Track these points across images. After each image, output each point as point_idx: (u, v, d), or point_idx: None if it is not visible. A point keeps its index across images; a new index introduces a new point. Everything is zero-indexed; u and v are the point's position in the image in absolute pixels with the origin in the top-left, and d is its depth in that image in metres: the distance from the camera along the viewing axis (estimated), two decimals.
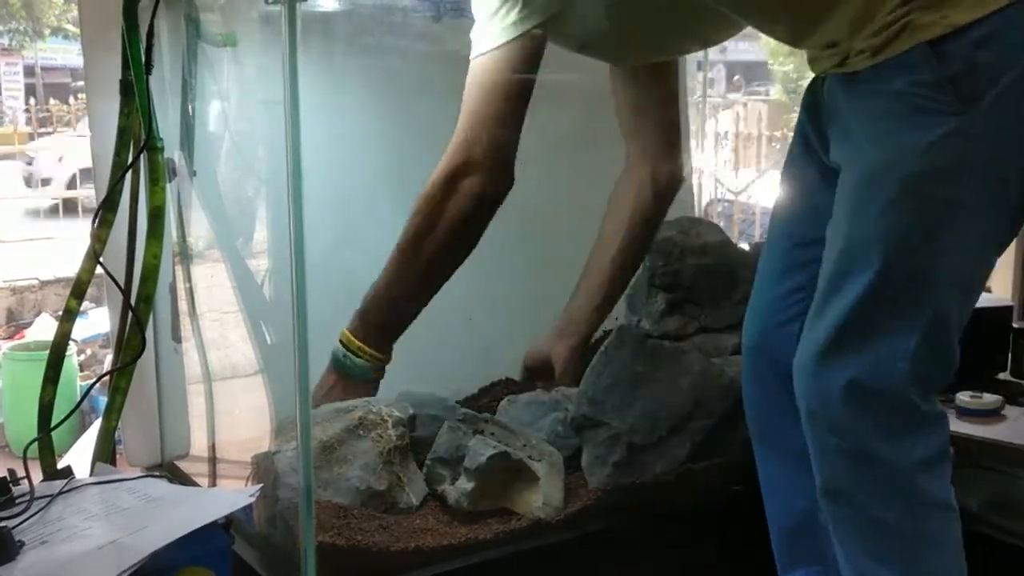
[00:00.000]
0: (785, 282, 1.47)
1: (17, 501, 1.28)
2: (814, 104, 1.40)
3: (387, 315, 1.64)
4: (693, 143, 2.50)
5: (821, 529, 1.47)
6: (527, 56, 1.46)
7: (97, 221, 1.60)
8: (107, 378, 1.64)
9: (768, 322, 1.49)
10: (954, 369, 1.26)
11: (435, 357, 1.97)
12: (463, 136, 1.50)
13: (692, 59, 2.51)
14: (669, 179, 1.89)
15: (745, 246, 2.17)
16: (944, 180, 1.18)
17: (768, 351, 1.49)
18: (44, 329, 4.18)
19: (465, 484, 1.52)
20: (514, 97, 1.49)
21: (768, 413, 1.51)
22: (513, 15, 1.42)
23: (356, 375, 1.64)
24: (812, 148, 1.42)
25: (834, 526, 1.31)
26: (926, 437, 1.26)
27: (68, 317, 1.66)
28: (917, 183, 1.19)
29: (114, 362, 1.69)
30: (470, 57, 1.48)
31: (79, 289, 1.64)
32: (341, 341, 1.64)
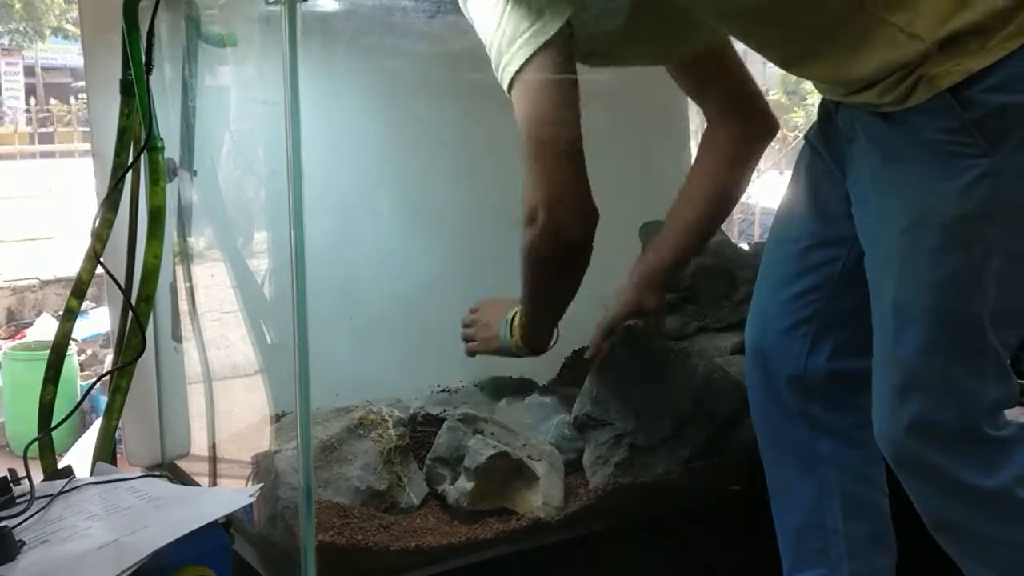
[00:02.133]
0: (792, 285, 1.46)
1: (17, 501, 1.28)
2: (827, 120, 1.40)
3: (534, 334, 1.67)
4: (693, 143, 2.50)
5: (827, 531, 1.47)
6: (559, 62, 1.44)
7: (98, 221, 1.60)
8: (107, 378, 1.64)
9: (774, 325, 1.49)
10: (1016, 388, 1.29)
11: (431, 357, 1.98)
12: (528, 179, 1.46)
13: None
14: (761, 128, 1.74)
15: (745, 246, 2.17)
16: (983, 221, 1.20)
17: (774, 354, 1.49)
18: (44, 329, 4.18)
19: (465, 484, 1.52)
20: (562, 109, 1.46)
21: (773, 415, 1.51)
22: (534, 27, 1.40)
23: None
24: (823, 158, 1.42)
25: (955, 555, 1.32)
26: (1011, 456, 1.28)
27: (69, 317, 1.66)
28: (958, 227, 1.20)
29: (114, 362, 1.69)
30: (505, 89, 1.45)
31: (79, 289, 1.64)
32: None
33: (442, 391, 1.91)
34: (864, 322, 1.35)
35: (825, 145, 1.41)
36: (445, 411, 1.71)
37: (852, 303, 1.41)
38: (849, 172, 1.35)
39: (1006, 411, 1.32)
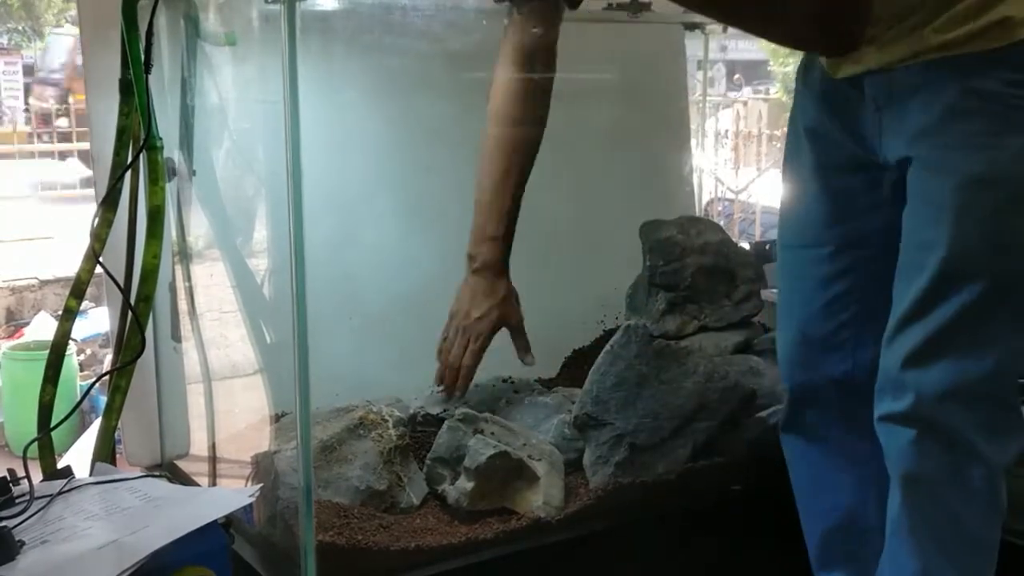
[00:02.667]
0: (827, 290, 1.42)
1: (17, 501, 1.28)
2: (839, 95, 1.34)
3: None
4: (693, 142, 2.50)
5: (863, 530, 1.45)
6: None
7: (97, 220, 1.60)
8: (107, 377, 1.64)
9: (813, 331, 1.45)
10: None
11: (431, 356, 1.97)
12: None
13: (692, 58, 2.51)
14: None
15: (745, 245, 2.17)
16: None
17: (816, 359, 1.45)
18: (43, 328, 4.17)
19: (465, 484, 1.52)
20: None
21: (814, 418, 1.48)
22: None
23: None
24: (837, 146, 1.37)
25: (907, 514, 1.30)
26: (1015, 440, 1.27)
27: (68, 316, 1.65)
28: (1021, 188, 1.18)
29: (114, 361, 1.69)
30: None
31: (79, 288, 1.64)
32: None
33: (442, 390, 1.90)
34: None
35: (841, 127, 1.35)
36: (445, 411, 1.71)
37: (890, 297, 1.38)
38: (889, 136, 1.29)
39: None
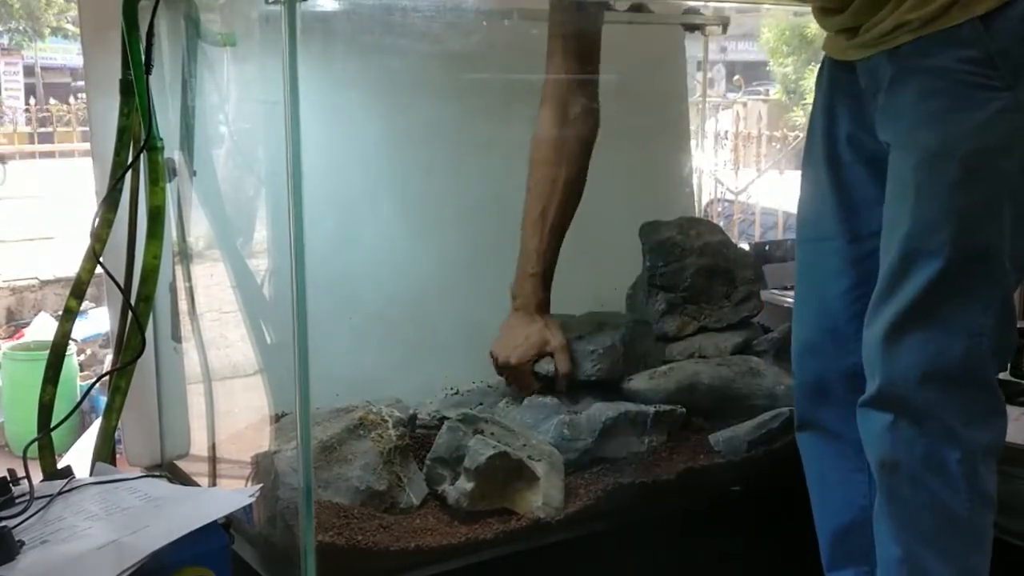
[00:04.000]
0: (841, 280, 1.43)
1: (17, 501, 1.28)
2: (844, 87, 1.38)
3: None
4: (693, 143, 2.50)
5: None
6: None
7: (97, 221, 1.60)
8: (107, 378, 1.64)
9: (827, 323, 1.46)
10: (1013, 351, 1.28)
11: (432, 357, 1.98)
12: None
13: (692, 59, 2.51)
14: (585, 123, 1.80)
15: (745, 246, 2.17)
16: (1001, 155, 1.19)
17: (830, 351, 1.46)
18: (44, 329, 4.17)
19: (465, 484, 1.52)
20: None
21: (827, 412, 1.49)
22: None
23: None
24: (848, 139, 1.39)
25: (886, 500, 1.30)
26: (994, 423, 1.27)
27: (68, 317, 1.66)
28: (977, 161, 1.20)
29: (114, 362, 1.69)
30: None
31: (79, 289, 1.64)
32: None
33: (455, 393, 1.90)
34: None
35: (850, 118, 1.38)
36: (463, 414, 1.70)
37: None
38: (879, 123, 1.32)
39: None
